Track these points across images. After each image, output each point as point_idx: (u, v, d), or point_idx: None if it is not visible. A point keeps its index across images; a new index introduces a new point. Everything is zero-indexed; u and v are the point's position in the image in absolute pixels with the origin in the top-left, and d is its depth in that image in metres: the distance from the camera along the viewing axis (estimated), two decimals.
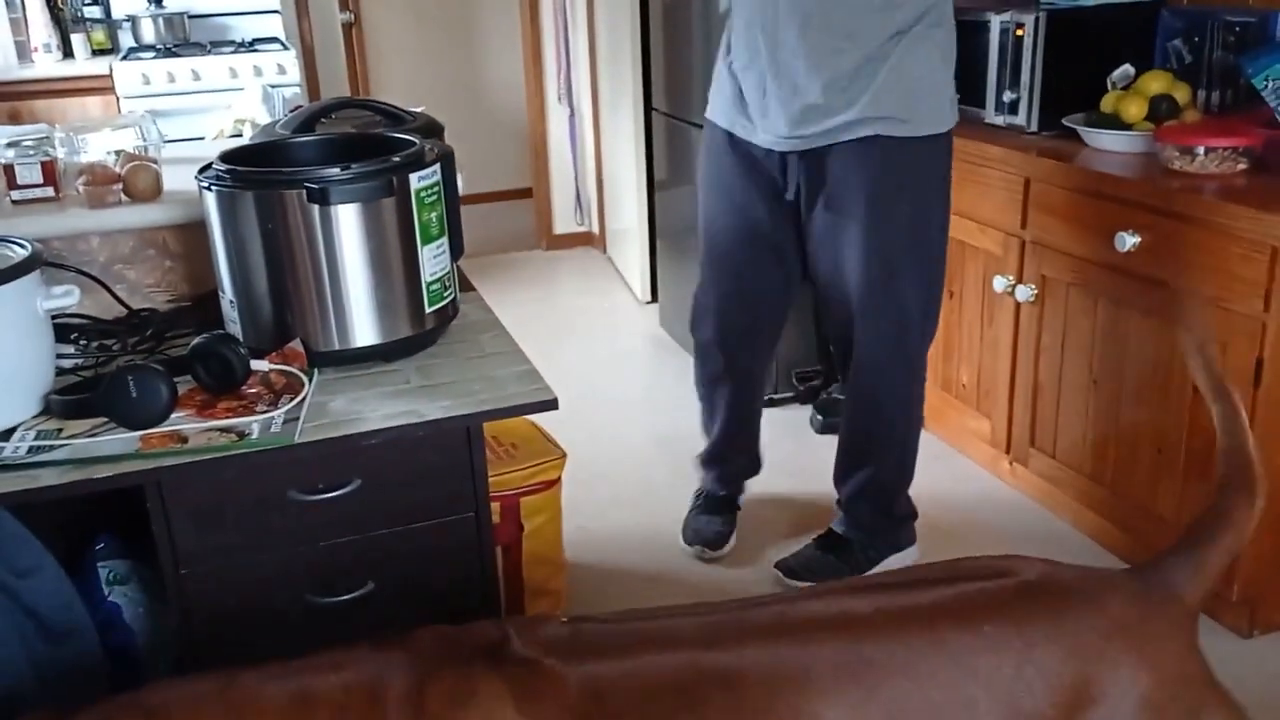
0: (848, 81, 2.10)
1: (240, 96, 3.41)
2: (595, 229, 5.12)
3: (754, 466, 2.66)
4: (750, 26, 2.16)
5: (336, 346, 1.59)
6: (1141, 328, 2.28)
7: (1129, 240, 2.22)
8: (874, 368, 2.30)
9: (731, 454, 2.61)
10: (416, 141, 1.65)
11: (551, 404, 1.52)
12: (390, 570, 1.54)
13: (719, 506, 2.62)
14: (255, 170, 1.57)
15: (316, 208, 1.52)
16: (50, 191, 1.84)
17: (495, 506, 2.15)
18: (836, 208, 2.20)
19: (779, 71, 2.13)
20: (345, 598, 1.51)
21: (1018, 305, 2.61)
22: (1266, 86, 2.18)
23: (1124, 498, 2.40)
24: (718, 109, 2.32)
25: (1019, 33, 2.60)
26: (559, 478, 2.31)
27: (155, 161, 1.88)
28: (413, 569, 1.55)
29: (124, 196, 1.83)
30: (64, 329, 1.68)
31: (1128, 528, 2.40)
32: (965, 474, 2.90)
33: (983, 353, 2.79)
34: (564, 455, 2.31)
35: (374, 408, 1.49)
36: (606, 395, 3.49)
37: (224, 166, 1.57)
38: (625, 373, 3.71)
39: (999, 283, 2.62)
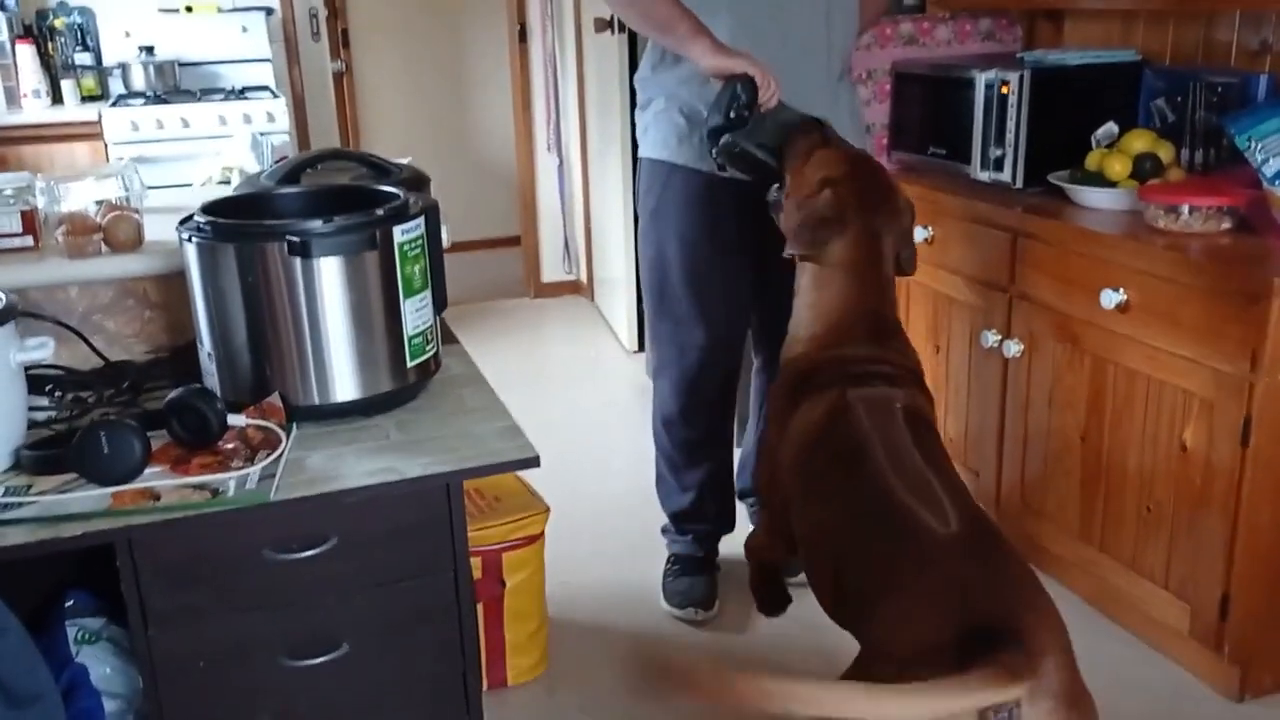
0: (830, 118, 2.13)
1: (229, 144, 3.40)
2: (583, 278, 5.12)
3: (730, 523, 2.62)
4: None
5: (316, 401, 1.57)
6: (1128, 385, 2.27)
7: (1115, 297, 2.22)
8: None
9: (709, 512, 2.57)
10: (401, 194, 1.64)
11: (533, 461, 1.49)
12: (366, 631, 1.50)
13: (701, 567, 2.57)
14: (236, 222, 1.55)
15: (298, 260, 1.50)
16: (29, 241, 1.83)
17: (477, 562, 2.13)
18: None
19: None
20: (319, 660, 1.47)
21: (1005, 360, 2.60)
22: (1250, 146, 2.19)
23: (1113, 556, 2.38)
24: (685, 154, 2.27)
25: (1004, 90, 2.61)
26: (542, 532, 2.28)
27: (137, 211, 1.87)
28: (389, 630, 1.51)
29: (104, 246, 1.81)
30: (39, 380, 1.65)
31: (1116, 587, 2.38)
32: None
33: (970, 407, 2.78)
34: (547, 509, 2.28)
35: (352, 464, 1.47)
36: (592, 446, 3.46)
37: (205, 218, 1.56)
38: (611, 423, 3.68)
39: (986, 338, 2.62)
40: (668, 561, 2.60)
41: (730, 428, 2.56)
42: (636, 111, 2.42)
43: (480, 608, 2.11)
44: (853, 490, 1.60)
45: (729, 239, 2.32)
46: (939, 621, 1.33)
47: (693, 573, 2.55)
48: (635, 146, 4.05)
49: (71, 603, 1.68)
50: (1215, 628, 2.13)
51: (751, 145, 2.00)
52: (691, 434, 2.47)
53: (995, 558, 1.43)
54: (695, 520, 2.57)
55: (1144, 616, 2.34)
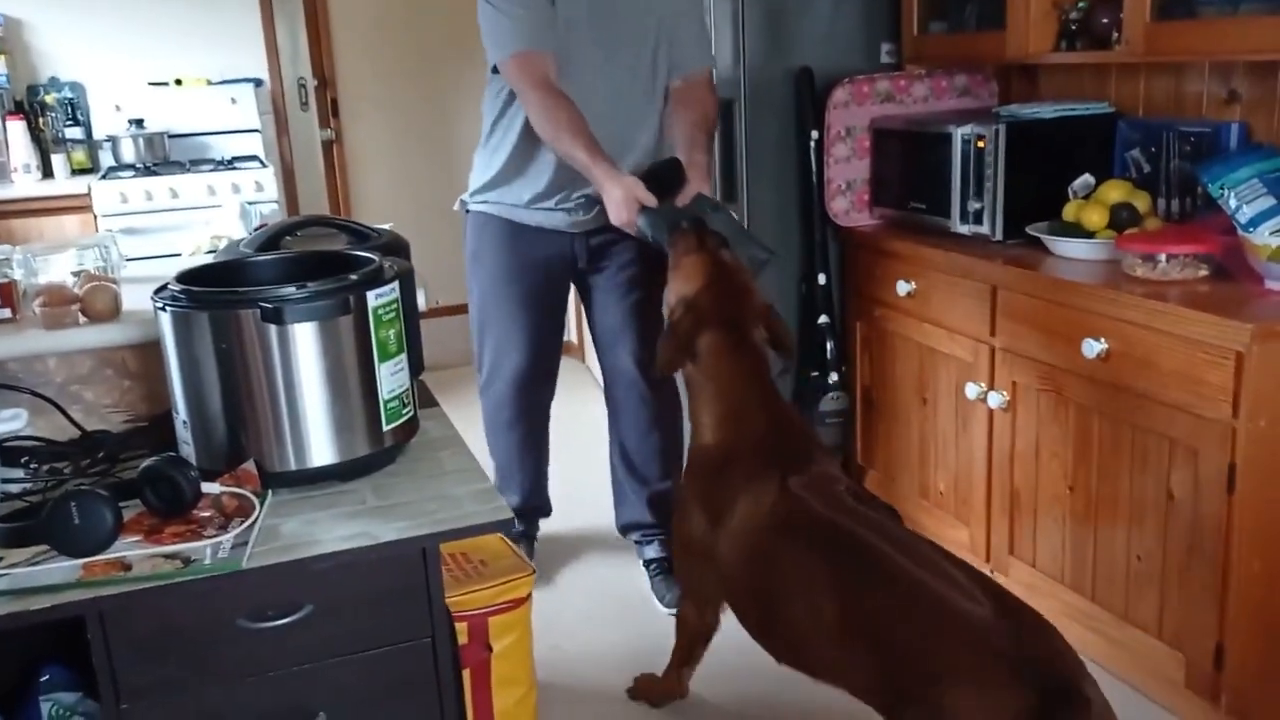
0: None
1: (218, 213, 3.43)
2: (574, 338, 5.13)
3: (548, 507, 3.10)
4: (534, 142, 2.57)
5: (292, 467, 1.56)
6: (1114, 434, 2.26)
7: (1096, 347, 2.23)
8: (648, 390, 2.81)
9: (541, 501, 3.06)
10: (375, 259, 1.65)
11: (508, 523, 1.49)
12: (344, 701, 1.48)
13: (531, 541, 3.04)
14: (210, 290, 1.56)
15: (272, 327, 1.50)
16: (7, 312, 1.83)
17: (462, 627, 2.09)
18: (620, 272, 2.71)
19: (572, 177, 2.52)
20: None
21: (990, 412, 2.60)
22: (1224, 194, 2.21)
23: (1105, 607, 2.35)
24: (503, 204, 2.73)
25: (980, 144, 2.64)
26: (529, 595, 2.25)
27: (115, 281, 1.88)
28: (368, 699, 1.49)
29: (82, 317, 1.81)
30: (14, 452, 1.65)
31: (1111, 638, 2.35)
32: None
33: (958, 460, 2.77)
34: (533, 571, 2.25)
35: (327, 530, 1.45)
36: (580, 506, 3.44)
37: (179, 286, 1.56)
38: (599, 483, 3.65)
39: (971, 389, 2.62)
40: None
41: (547, 430, 3.01)
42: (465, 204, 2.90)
43: (467, 674, 2.08)
44: (857, 578, 1.75)
45: (536, 269, 2.72)
46: (1010, 704, 1.49)
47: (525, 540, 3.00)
48: None
49: (47, 677, 1.66)
50: (1211, 678, 2.10)
51: (650, 233, 2.32)
52: (523, 431, 2.90)
53: (1033, 630, 1.58)
54: (534, 511, 3.04)
55: (1139, 667, 2.31)
